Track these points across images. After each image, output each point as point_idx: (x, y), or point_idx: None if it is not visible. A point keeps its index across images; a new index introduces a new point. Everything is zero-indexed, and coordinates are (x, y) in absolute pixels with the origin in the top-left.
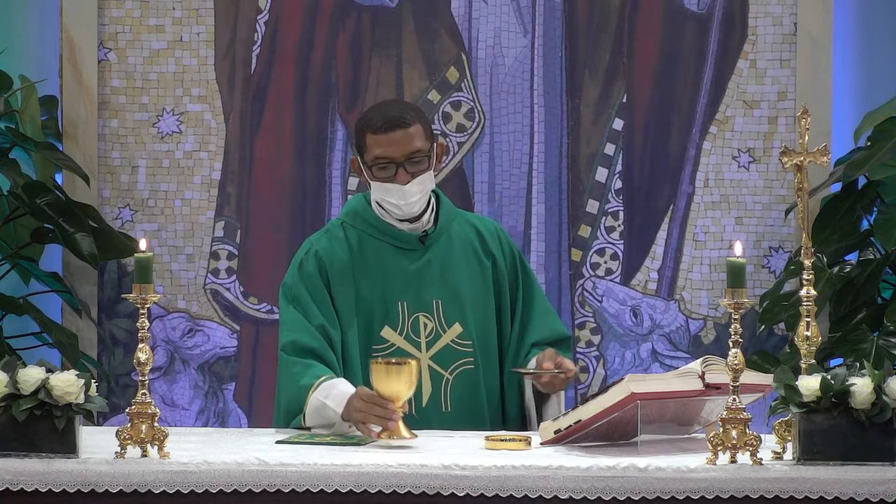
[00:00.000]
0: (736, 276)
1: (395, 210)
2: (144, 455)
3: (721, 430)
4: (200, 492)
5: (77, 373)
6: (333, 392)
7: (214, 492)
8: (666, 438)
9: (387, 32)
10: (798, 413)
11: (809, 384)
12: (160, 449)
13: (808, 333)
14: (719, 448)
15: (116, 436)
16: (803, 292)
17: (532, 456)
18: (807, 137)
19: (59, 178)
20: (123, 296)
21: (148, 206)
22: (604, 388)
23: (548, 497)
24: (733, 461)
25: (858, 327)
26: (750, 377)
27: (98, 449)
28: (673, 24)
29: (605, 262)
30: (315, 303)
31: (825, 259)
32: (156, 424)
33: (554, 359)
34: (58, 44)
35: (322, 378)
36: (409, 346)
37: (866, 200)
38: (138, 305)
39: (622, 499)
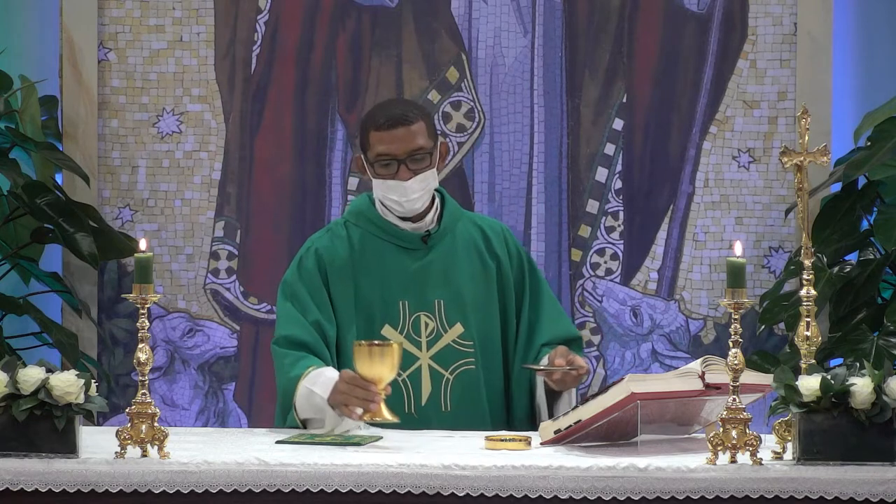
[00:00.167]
0: (736, 276)
1: (396, 207)
2: (144, 455)
3: (721, 430)
4: (200, 492)
5: (77, 373)
6: (321, 380)
7: (214, 492)
8: (666, 438)
9: (387, 32)
10: (798, 413)
11: (809, 384)
12: (160, 449)
13: (808, 333)
14: (719, 448)
15: (116, 436)
16: (803, 292)
17: (532, 456)
18: (807, 137)
19: (59, 178)
20: (123, 296)
21: (148, 206)
22: (604, 388)
23: (548, 497)
24: (733, 461)
25: (858, 327)
26: (750, 377)
27: (98, 449)
28: (673, 24)
29: (605, 262)
30: (312, 299)
31: (825, 259)
32: (156, 424)
33: (566, 356)
34: (58, 44)
35: (311, 367)
36: (409, 345)
37: (866, 200)
38: (138, 305)
39: (622, 499)
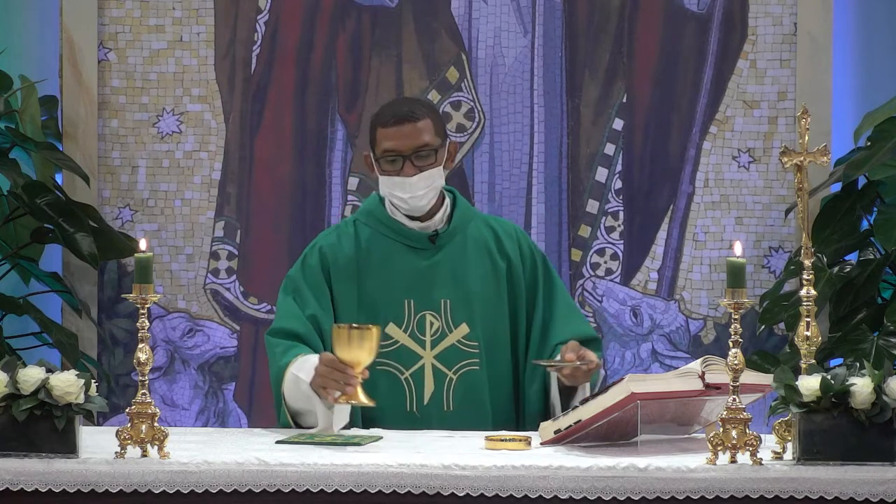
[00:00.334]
0: (736, 276)
1: (401, 205)
2: (144, 455)
3: (721, 430)
4: (200, 492)
5: (77, 373)
6: (306, 366)
7: (214, 492)
8: (666, 438)
9: (387, 32)
10: (798, 413)
11: (809, 384)
12: (160, 449)
13: (808, 333)
14: (719, 448)
15: (116, 436)
16: (803, 292)
17: (532, 456)
18: (807, 137)
19: (59, 178)
20: (123, 296)
21: (148, 206)
22: (604, 388)
23: (548, 497)
24: (733, 461)
25: (858, 327)
26: (750, 377)
27: (98, 449)
28: (673, 24)
29: (605, 262)
30: (313, 295)
31: (825, 259)
32: (156, 424)
33: (577, 350)
34: (58, 44)
35: (299, 355)
36: (413, 343)
37: (866, 200)
38: (138, 305)
39: (622, 499)
